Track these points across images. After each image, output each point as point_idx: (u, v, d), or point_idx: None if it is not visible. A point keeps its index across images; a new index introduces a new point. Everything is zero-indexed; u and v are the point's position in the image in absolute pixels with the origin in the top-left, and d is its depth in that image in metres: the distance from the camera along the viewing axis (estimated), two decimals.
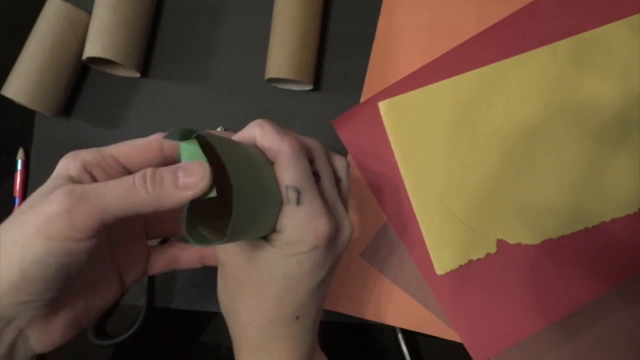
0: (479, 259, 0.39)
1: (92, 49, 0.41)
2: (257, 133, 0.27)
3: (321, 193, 0.28)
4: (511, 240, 0.39)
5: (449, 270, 0.39)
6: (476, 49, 0.41)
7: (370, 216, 0.41)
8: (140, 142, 0.28)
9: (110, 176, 0.27)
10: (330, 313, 0.41)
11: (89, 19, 0.43)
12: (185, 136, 0.25)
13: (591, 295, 0.38)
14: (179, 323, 0.45)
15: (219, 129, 0.43)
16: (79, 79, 0.46)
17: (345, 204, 0.31)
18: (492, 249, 0.39)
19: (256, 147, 0.28)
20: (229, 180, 0.23)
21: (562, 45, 0.40)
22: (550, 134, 0.40)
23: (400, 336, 0.41)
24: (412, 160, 0.41)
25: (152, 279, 0.44)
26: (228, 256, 0.29)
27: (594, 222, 0.38)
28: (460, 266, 0.39)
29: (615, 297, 0.38)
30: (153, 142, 0.28)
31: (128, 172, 0.28)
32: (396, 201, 0.41)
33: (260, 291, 0.28)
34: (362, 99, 0.43)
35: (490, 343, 0.38)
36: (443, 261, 0.39)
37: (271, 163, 0.27)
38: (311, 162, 0.29)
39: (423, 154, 0.41)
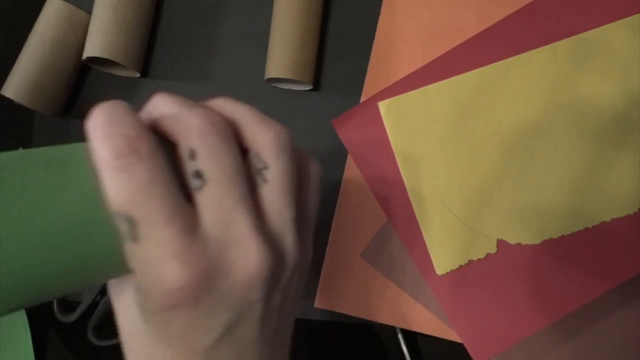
0: (479, 259, 0.39)
1: (92, 49, 0.41)
2: (90, 122, 0.18)
3: (202, 208, 0.19)
4: (511, 240, 0.39)
5: (449, 270, 0.39)
6: (476, 49, 0.41)
7: (370, 216, 0.41)
8: None
9: None
10: (330, 313, 0.41)
11: (89, 19, 0.43)
12: None
13: (591, 295, 0.38)
14: None
15: None
16: (79, 79, 0.46)
17: (277, 207, 0.20)
18: (492, 249, 0.39)
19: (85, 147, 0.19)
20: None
21: (562, 45, 0.40)
22: (550, 134, 0.40)
23: (400, 336, 0.41)
24: (412, 160, 0.41)
25: None
26: (117, 293, 0.22)
27: (594, 222, 0.38)
28: (460, 266, 0.39)
29: (615, 296, 0.38)
30: None
31: None
32: (396, 201, 0.41)
33: (142, 344, 0.21)
34: (362, 99, 0.43)
35: (490, 343, 0.38)
36: (443, 261, 0.39)
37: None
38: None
39: (423, 154, 0.41)
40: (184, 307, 0.18)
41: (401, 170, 0.41)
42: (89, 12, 0.43)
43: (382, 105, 0.41)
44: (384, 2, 0.43)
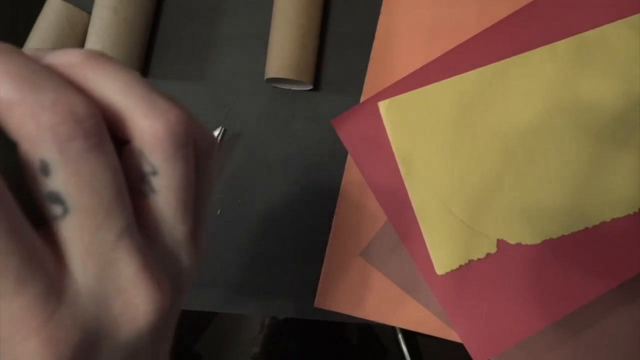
0: (479, 259, 0.39)
1: (92, 49, 0.41)
2: None
3: (65, 251, 0.13)
4: (511, 240, 0.39)
5: (449, 270, 0.39)
6: (476, 49, 0.41)
7: (370, 216, 0.41)
8: None
9: None
10: (330, 313, 0.41)
11: (89, 19, 0.43)
12: None
13: (591, 295, 0.38)
14: (178, 323, 0.45)
15: (218, 130, 0.43)
16: None
17: (169, 224, 0.15)
18: (493, 249, 0.39)
19: None
20: None
21: (562, 45, 0.40)
22: (550, 134, 0.40)
23: (400, 336, 0.41)
24: (412, 160, 0.41)
25: None
26: None
27: (594, 222, 0.38)
28: (461, 266, 0.39)
29: (615, 296, 0.38)
30: None
31: None
32: (396, 201, 0.41)
33: None
34: (362, 99, 0.43)
35: (490, 343, 0.38)
36: (443, 261, 0.39)
37: None
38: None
39: (423, 154, 0.41)
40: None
41: (401, 170, 0.41)
42: (89, 12, 0.43)
43: (382, 105, 0.41)
44: (384, 2, 0.43)
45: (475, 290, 0.39)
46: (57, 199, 0.12)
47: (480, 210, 0.40)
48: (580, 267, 0.38)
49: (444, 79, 0.41)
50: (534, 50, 0.41)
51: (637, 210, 0.38)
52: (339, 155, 0.43)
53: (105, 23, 0.41)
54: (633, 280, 0.38)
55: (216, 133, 0.43)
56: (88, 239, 0.13)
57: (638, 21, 0.40)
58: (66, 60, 0.14)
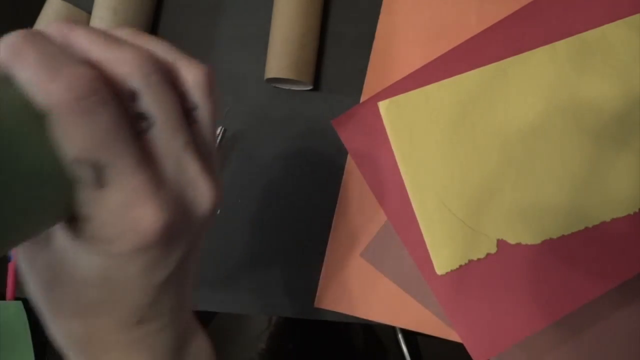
0: (479, 259, 0.39)
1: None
2: (10, 60, 0.16)
3: (153, 150, 0.18)
4: (511, 240, 0.39)
5: (449, 270, 0.39)
6: (476, 49, 0.41)
7: (370, 216, 0.41)
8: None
9: None
10: (330, 313, 0.41)
11: (89, 19, 0.43)
12: None
13: (591, 295, 0.38)
14: None
15: (219, 129, 0.43)
16: None
17: (207, 147, 0.21)
18: (492, 249, 0.39)
19: (11, 83, 0.16)
20: None
21: (562, 45, 0.40)
22: (550, 134, 0.40)
23: (400, 336, 0.41)
24: (412, 160, 0.41)
25: None
26: (27, 254, 0.21)
27: (594, 222, 0.38)
28: (460, 266, 0.39)
29: (615, 296, 0.38)
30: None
31: None
32: (396, 201, 0.41)
33: (77, 296, 0.20)
34: (362, 99, 0.43)
35: (490, 343, 0.38)
36: (443, 261, 0.39)
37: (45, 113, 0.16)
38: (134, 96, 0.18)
39: (423, 154, 0.41)
40: (154, 247, 0.18)
41: (401, 170, 0.41)
42: (89, 12, 0.43)
43: (382, 105, 0.41)
44: (384, 2, 0.43)
45: (475, 290, 0.39)
46: (143, 117, 0.18)
47: (480, 210, 0.40)
48: (580, 267, 0.38)
49: (444, 79, 0.41)
50: (534, 50, 0.41)
51: (637, 210, 0.38)
52: (339, 155, 0.43)
53: (105, 23, 0.41)
54: (633, 280, 0.38)
55: (216, 133, 0.43)
56: (166, 143, 0.18)
57: (638, 21, 0.40)
58: (131, 33, 0.20)
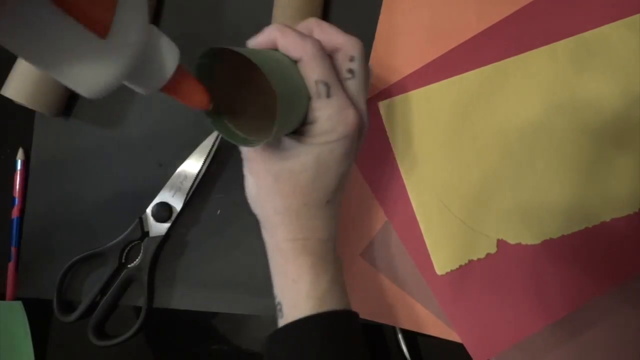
0: (479, 259, 0.39)
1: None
2: (278, 36, 0.31)
3: (345, 87, 0.32)
4: (511, 240, 0.39)
5: (449, 270, 0.39)
6: (476, 49, 0.41)
7: (370, 216, 0.41)
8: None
9: None
10: None
11: None
12: (216, 53, 0.30)
13: (591, 295, 0.38)
14: (179, 323, 0.45)
15: None
16: None
17: (364, 89, 0.33)
18: (492, 249, 0.39)
19: (276, 49, 0.31)
20: (261, 84, 0.29)
21: (562, 45, 0.40)
22: (550, 134, 0.40)
23: (400, 336, 0.41)
24: (412, 161, 0.41)
25: (151, 279, 0.44)
26: (259, 152, 0.32)
27: (594, 222, 0.38)
28: (460, 266, 0.39)
29: (615, 297, 0.38)
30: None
31: None
32: (396, 201, 0.41)
33: (294, 178, 0.31)
34: None
35: (490, 343, 0.38)
36: (443, 261, 0.39)
37: (294, 62, 0.31)
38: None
39: (423, 154, 0.41)
40: (352, 138, 0.31)
41: (401, 171, 0.41)
42: None
43: (382, 105, 0.41)
44: (384, 2, 0.43)
45: (475, 291, 0.39)
46: (351, 72, 0.32)
47: (480, 210, 0.40)
48: (580, 268, 0.38)
49: (444, 79, 0.41)
50: (534, 50, 0.41)
51: (637, 210, 0.38)
52: None
53: None
54: (633, 280, 0.38)
55: (216, 133, 0.43)
56: (357, 87, 0.32)
57: (638, 21, 0.40)
58: (307, 25, 0.33)
